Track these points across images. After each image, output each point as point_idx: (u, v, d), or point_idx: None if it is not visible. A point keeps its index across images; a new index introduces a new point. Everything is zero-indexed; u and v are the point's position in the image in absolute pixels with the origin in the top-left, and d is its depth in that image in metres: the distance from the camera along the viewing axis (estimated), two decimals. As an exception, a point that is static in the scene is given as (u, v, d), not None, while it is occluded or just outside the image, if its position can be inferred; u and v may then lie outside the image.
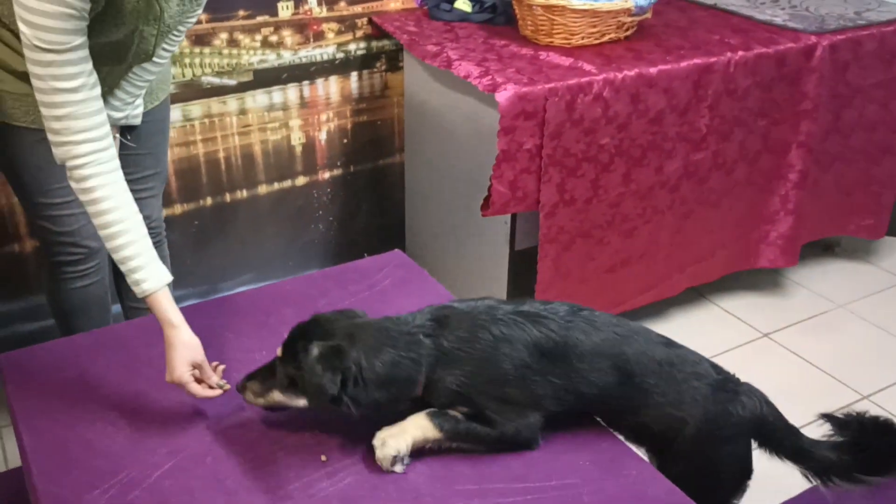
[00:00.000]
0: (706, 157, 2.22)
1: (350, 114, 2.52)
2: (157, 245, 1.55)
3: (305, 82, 2.40)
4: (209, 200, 2.39)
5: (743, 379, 1.44)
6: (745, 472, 1.45)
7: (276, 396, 1.32)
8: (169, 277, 1.43)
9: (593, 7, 2.08)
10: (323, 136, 2.50)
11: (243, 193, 2.43)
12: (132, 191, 1.44)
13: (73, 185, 1.36)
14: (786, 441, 1.43)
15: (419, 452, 1.31)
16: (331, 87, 2.45)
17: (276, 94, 2.37)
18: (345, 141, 2.54)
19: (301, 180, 2.52)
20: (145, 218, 1.50)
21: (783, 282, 2.72)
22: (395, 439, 1.29)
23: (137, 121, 1.71)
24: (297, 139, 2.46)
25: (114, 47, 1.50)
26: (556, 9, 2.08)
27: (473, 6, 2.40)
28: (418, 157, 2.46)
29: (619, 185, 2.10)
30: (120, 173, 1.39)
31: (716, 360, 1.45)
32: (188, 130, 2.28)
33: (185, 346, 1.39)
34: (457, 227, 2.31)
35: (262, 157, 2.42)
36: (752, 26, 2.37)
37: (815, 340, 2.44)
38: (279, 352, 1.32)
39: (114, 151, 1.38)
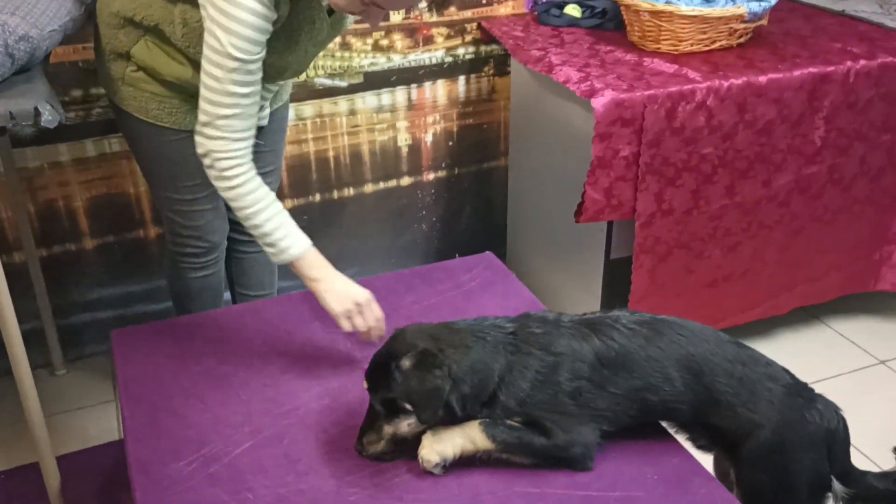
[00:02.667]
0: (821, 171, 2.11)
1: (456, 117, 2.56)
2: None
3: (414, 85, 2.47)
4: (318, 197, 2.49)
5: (855, 407, 1.40)
6: (824, 484, 1.39)
7: (389, 430, 1.30)
8: (309, 241, 1.55)
9: (703, 13, 2.03)
10: (429, 137, 2.56)
11: (350, 191, 2.52)
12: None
13: (215, 174, 1.48)
14: (840, 458, 1.38)
15: (470, 460, 1.31)
16: (438, 91, 2.50)
17: (385, 97, 2.45)
18: (450, 143, 2.59)
19: (406, 180, 2.58)
20: None
21: (907, 308, 2.55)
22: (443, 444, 1.29)
23: (265, 122, 1.81)
24: (403, 140, 2.53)
25: (278, 68, 1.60)
26: (663, 14, 2.04)
27: (583, 11, 2.38)
28: (522, 161, 2.48)
29: (723, 196, 2.03)
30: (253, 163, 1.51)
31: (823, 385, 1.40)
32: (300, 129, 2.39)
33: (334, 293, 1.52)
34: (555, 233, 2.31)
35: (369, 157, 2.50)
36: (881, 34, 2.24)
37: (937, 372, 2.27)
38: (366, 385, 1.31)
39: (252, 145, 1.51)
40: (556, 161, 2.23)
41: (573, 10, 2.39)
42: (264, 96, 1.77)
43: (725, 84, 1.92)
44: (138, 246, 2.32)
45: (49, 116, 1.26)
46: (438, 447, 1.29)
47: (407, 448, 1.31)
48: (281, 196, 2.43)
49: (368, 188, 2.54)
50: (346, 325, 1.53)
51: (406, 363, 1.26)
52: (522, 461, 1.32)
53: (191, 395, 1.50)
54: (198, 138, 1.47)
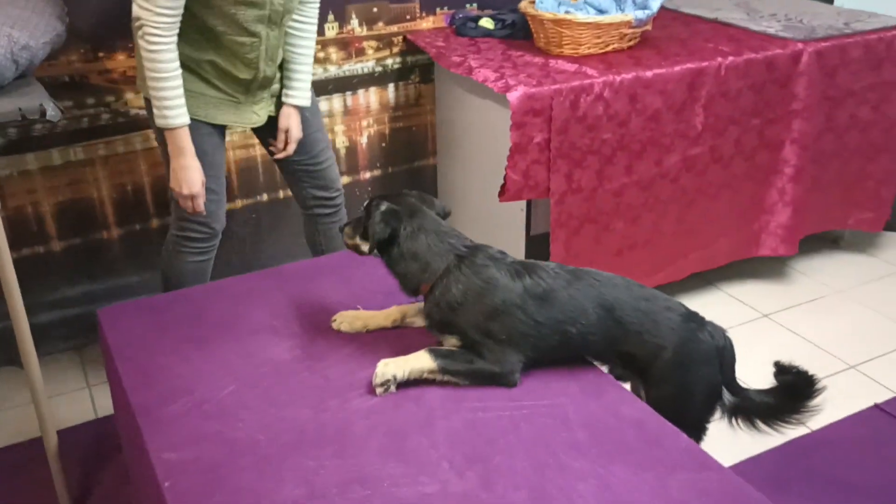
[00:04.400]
0: (703, 152, 2.47)
1: (388, 120, 2.84)
2: (337, 211, 2.22)
3: (348, 93, 2.74)
4: (265, 196, 2.73)
5: (742, 352, 1.67)
6: (715, 392, 1.65)
7: (354, 240, 1.68)
8: (189, 120, 1.87)
9: (596, 20, 2.38)
10: (364, 140, 2.83)
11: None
12: (319, 162, 2.14)
13: (141, 36, 1.75)
14: (728, 373, 1.66)
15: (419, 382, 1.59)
16: (371, 97, 2.79)
17: (323, 104, 2.71)
18: (383, 145, 2.87)
19: (345, 179, 2.84)
20: (331, 182, 2.22)
21: (787, 270, 2.95)
22: (394, 366, 1.57)
23: (309, 102, 2.11)
24: (341, 143, 2.80)
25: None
26: (564, 22, 2.38)
27: (496, 24, 2.71)
28: (449, 158, 2.77)
29: (622, 175, 2.37)
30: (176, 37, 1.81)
31: None
32: (247, 134, 2.63)
33: (187, 171, 1.89)
34: (482, 217, 2.61)
35: (311, 159, 2.76)
36: (746, 36, 2.64)
37: (811, 320, 2.66)
38: (363, 207, 1.67)
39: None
40: (479, 153, 2.53)
41: (487, 23, 2.71)
42: (301, 70, 2.08)
43: (618, 78, 2.26)
44: (102, 247, 2.52)
45: (52, 112, 1.49)
46: (390, 368, 1.57)
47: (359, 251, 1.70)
48: (231, 197, 2.66)
49: (311, 187, 2.79)
50: (182, 201, 1.93)
51: (381, 206, 1.60)
52: (462, 381, 1.59)
53: (174, 354, 1.72)
54: (134, 7, 1.74)
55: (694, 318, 1.64)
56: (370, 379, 1.63)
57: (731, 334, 1.65)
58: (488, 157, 2.45)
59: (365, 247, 1.66)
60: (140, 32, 1.77)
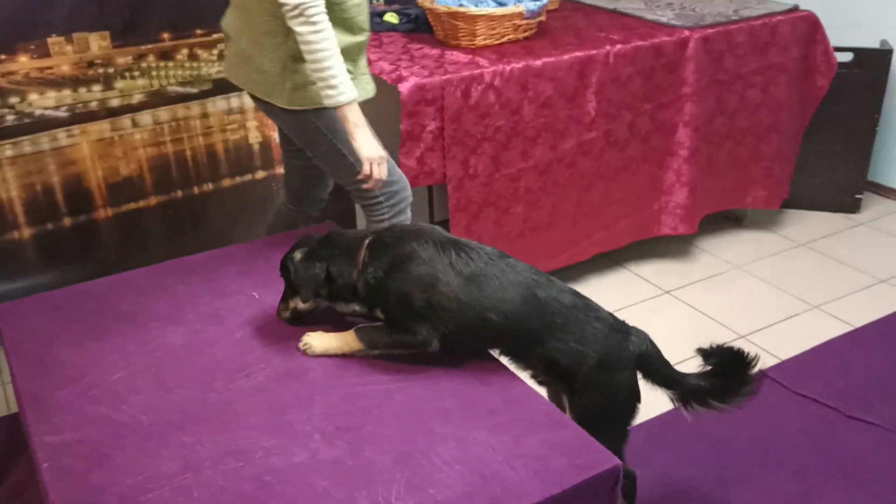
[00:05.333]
0: (598, 136, 2.58)
1: (300, 115, 2.91)
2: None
3: (259, 89, 2.80)
4: (180, 193, 2.78)
5: (643, 327, 1.69)
6: (635, 395, 1.68)
7: (292, 304, 1.76)
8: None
9: (489, 12, 2.47)
10: (276, 134, 2.89)
11: (209, 186, 2.83)
12: None
13: (302, 21, 1.78)
14: (661, 371, 1.67)
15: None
16: (282, 93, 2.85)
17: (234, 100, 2.77)
18: (297, 139, 2.93)
19: (260, 174, 2.91)
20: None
21: (691, 249, 3.08)
22: (325, 341, 1.68)
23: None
24: (254, 138, 2.86)
25: None
26: (458, 15, 2.47)
27: (400, 18, 2.79)
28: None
29: (519, 161, 2.46)
30: None
31: (621, 313, 1.68)
32: (158, 132, 2.68)
33: (369, 140, 1.92)
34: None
35: (224, 154, 2.82)
36: (639, 25, 2.75)
37: (709, 295, 2.78)
38: (280, 272, 1.75)
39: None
40: (385, 144, 2.61)
41: (391, 18, 2.79)
42: (363, 64, 2.05)
43: (508, 68, 2.36)
44: (13, 247, 2.55)
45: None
46: (322, 342, 1.68)
47: (306, 317, 1.78)
48: (145, 194, 2.71)
49: (226, 182, 2.85)
50: (366, 168, 1.93)
51: (297, 256, 1.70)
52: (387, 352, 1.67)
53: (70, 346, 1.78)
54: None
55: (620, 328, 1.66)
56: (257, 360, 1.71)
57: (633, 310, 1.69)
58: (390, 146, 2.53)
59: (301, 304, 1.75)
60: (302, 18, 1.78)
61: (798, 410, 2.26)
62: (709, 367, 1.69)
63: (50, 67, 2.43)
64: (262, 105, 2.07)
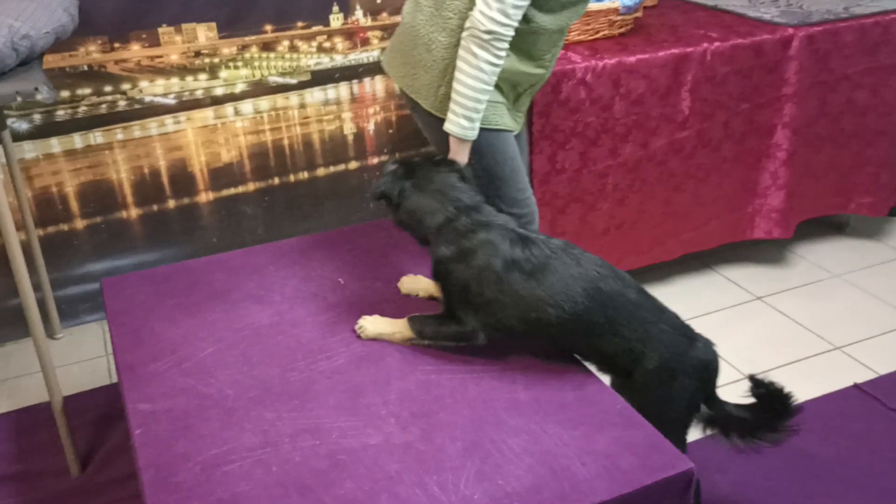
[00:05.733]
0: (690, 135, 2.53)
1: (394, 108, 2.96)
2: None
3: (355, 81, 2.87)
4: (277, 180, 2.88)
5: (732, 333, 1.65)
6: (694, 405, 1.65)
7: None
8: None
9: (584, 8, 2.45)
10: (371, 127, 2.96)
11: (305, 175, 2.92)
12: None
13: (487, 50, 1.74)
14: (711, 388, 1.66)
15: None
16: (377, 85, 2.91)
17: (331, 91, 2.85)
18: (390, 131, 2.99)
19: (353, 165, 2.98)
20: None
21: (787, 255, 2.97)
22: (378, 325, 1.74)
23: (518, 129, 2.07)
24: (349, 129, 2.93)
25: None
26: (552, 10, 2.46)
27: (495, 13, 2.80)
28: (451, 143, 2.88)
29: (607, 157, 2.44)
30: None
31: (709, 317, 1.65)
32: (258, 121, 2.78)
33: None
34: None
35: (319, 145, 2.90)
36: (740, 22, 2.67)
37: (804, 303, 2.68)
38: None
39: None
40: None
41: (487, 12, 2.80)
42: (524, 101, 1.99)
43: (601, 64, 2.33)
44: (122, 226, 2.70)
45: (46, 94, 1.65)
46: (375, 326, 1.74)
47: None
48: (244, 180, 2.82)
49: (321, 172, 2.94)
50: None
51: (390, 166, 1.77)
52: (436, 343, 1.71)
53: (165, 320, 1.88)
54: (481, 19, 1.71)
55: (686, 332, 1.63)
56: (338, 343, 1.76)
57: (721, 315, 1.63)
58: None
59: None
60: (483, 44, 1.73)
61: (891, 428, 2.15)
62: (753, 399, 1.63)
63: (160, 56, 2.56)
64: (408, 101, 2.04)
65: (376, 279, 2.01)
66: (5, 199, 1.80)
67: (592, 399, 1.57)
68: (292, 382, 1.65)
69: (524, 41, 1.84)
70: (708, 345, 1.64)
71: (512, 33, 1.74)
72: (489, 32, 1.72)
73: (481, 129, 1.86)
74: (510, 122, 1.97)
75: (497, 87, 1.89)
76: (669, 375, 1.60)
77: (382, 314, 1.80)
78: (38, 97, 1.61)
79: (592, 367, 1.70)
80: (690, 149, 2.55)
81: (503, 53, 1.76)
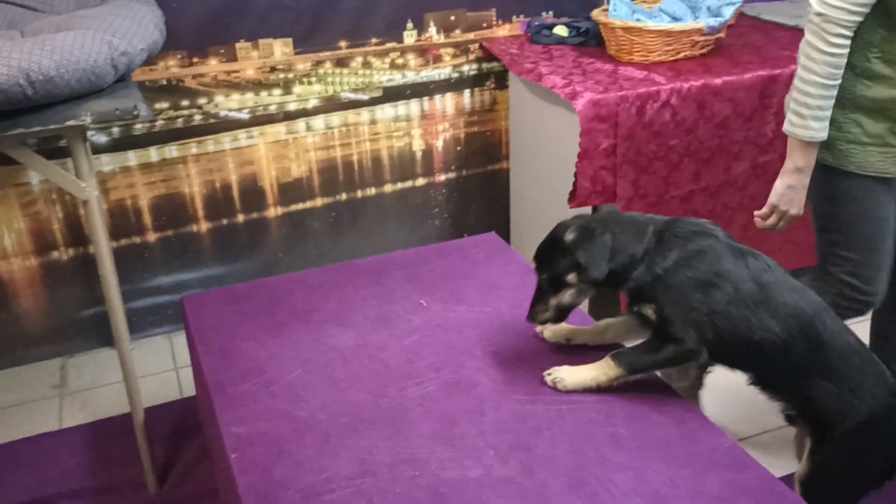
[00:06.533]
0: (773, 159, 2.46)
1: (463, 125, 2.94)
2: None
3: (425, 98, 2.85)
4: (344, 196, 2.87)
5: None
6: (890, 468, 1.55)
7: (553, 302, 1.58)
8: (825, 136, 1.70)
9: (667, 28, 2.41)
10: (440, 143, 2.93)
11: (372, 191, 2.90)
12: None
13: (822, 37, 1.60)
14: None
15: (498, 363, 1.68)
16: (447, 102, 2.89)
17: (401, 108, 2.83)
18: (458, 148, 2.96)
19: (420, 181, 2.96)
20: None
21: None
22: (581, 375, 1.58)
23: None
24: (417, 146, 2.91)
25: None
26: (634, 30, 2.42)
27: (570, 31, 2.77)
28: (521, 163, 2.85)
29: (690, 182, 2.39)
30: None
31: None
32: (328, 136, 2.77)
33: (793, 191, 1.75)
34: (551, 220, 2.64)
35: (388, 161, 2.88)
36: (825, 44, 2.60)
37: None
38: (534, 265, 1.59)
39: None
40: (549, 158, 2.59)
41: (561, 31, 2.77)
42: None
43: (686, 86, 2.29)
44: (192, 239, 2.71)
45: (145, 113, 1.64)
46: (575, 376, 1.58)
47: (566, 312, 1.63)
48: (312, 195, 2.81)
49: (388, 188, 2.92)
50: (764, 211, 1.79)
51: (569, 236, 1.52)
52: (652, 370, 1.56)
53: (250, 339, 1.86)
54: (814, 2, 1.58)
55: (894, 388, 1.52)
56: (426, 369, 1.73)
57: None
58: (558, 162, 2.51)
59: (567, 295, 1.57)
60: (818, 30, 1.60)
61: None
62: None
63: (236, 71, 2.57)
64: None
65: (458, 301, 1.98)
66: (98, 211, 1.80)
67: (697, 436, 1.52)
68: (384, 409, 1.62)
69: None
70: None
71: (850, 19, 1.57)
72: (819, 14, 1.60)
73: (835, 172, 1.71)
74: (884, 165, 1.72)
75: (865, 117, 1.70)
76: (874, 433, 1.49)
77: (467, 338, 1.77)
78: (138, 115, 1.60)
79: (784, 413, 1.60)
80: (773, 173, 2.46)
81: (838, 42, 1.59)
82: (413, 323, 1.90)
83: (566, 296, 1.59)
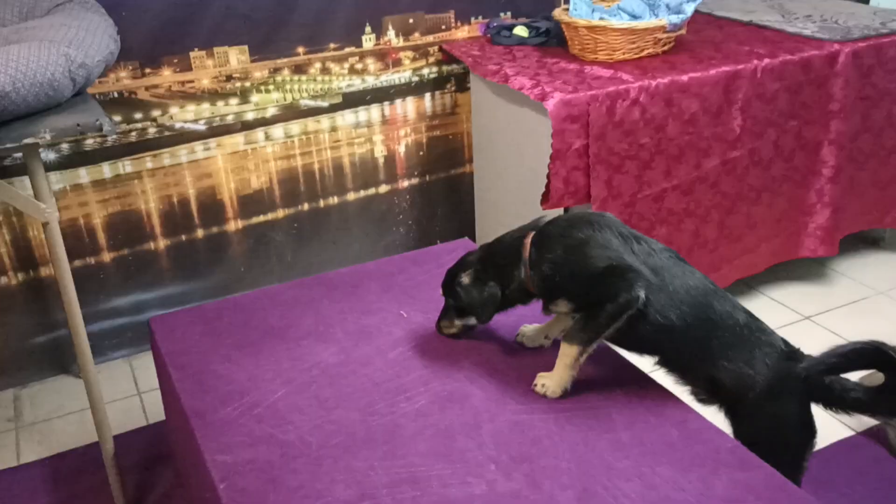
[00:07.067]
0: (742, 154, 2.48)
1: (425, 129, 2.89)
2: None
3: (386, 103, 2.79)
4: (306, 206, 2.79)
5: None
6: (809, 429, 1.56)
7: (459, 323, 1.73)
8: None
9: (631, 26, 2.40)
10: (402, 149, 2.88)
11: (335, 199, 2.83)
12: None
13: None
14: (846, 396, 1.53)
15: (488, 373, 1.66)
16: (408, 107, 2.83)
17: (362, 114, 2.77)
18: (421, 153, 2.91)
19: (384, 188, 2.89)
20: None
21: (828, 272, 2.93)
22: (558, 378, 1.57)
23: None
24: (379, 152, 2.85)
25: None
26: (598, 29, 2.40)
27: (530, 32, 2.74)
28: (485, 165, 2.81)
29: (662, 180, 2.38)
30: None
31: None
32: (289, 145, 2.69)
33: None
34: (519, 222, 2.61)
35: (350, 168, 2.81)
36: (781, 38, 2.64)
37: (852, 321, 2.64)
38: (441, 293, 1.72)
39: None
40: (516, 161, 2.56)
41: (521, 31, 2.74)
42: None
43: (654, 83, 2.28)
44: (150, 257, 2.59)
45: (108, 127, 1.55)
46: (556, 381, 1.57)
47: (470, 331, 1.77)
48: (273, 206, 2.72)
49: (351, 196, 2.85)
50: None
51: (465, 279, 1.65)
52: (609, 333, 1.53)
53: (226, 360, 1.77)
54: None
55: (791, 354, 1.57)
56: (414, 382, 1.67)
57: None
58: (524, 164, 2.48)
59: (471, 321, 1.72)
60: None
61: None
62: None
63: (191, 81, 2.47)
64: None
65: (438, 310, 1.92)
66: (59, 233, 1.69)
67: (699, 437, 1.49)
68: (376, 427, 1.55)
69: None
70: (815, 361, 1.55)
71: None
72: None
73: None
74: None
75: None
76: (778, 399, 1.53)
77: (454, 349, 1.72)
78: (102, 130, 1.50)
79: (686, 396, 1.62)
80: (742, 168, 2.50)
81: None
82: (395, 335, 1.84)
83: (470, 320, 1.72)
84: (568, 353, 1.57)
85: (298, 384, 1.69)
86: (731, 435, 1.57)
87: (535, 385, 1.61)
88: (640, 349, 1.61)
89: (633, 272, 1.48)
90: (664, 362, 1.61)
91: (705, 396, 1.63)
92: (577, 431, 1.52)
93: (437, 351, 1.75)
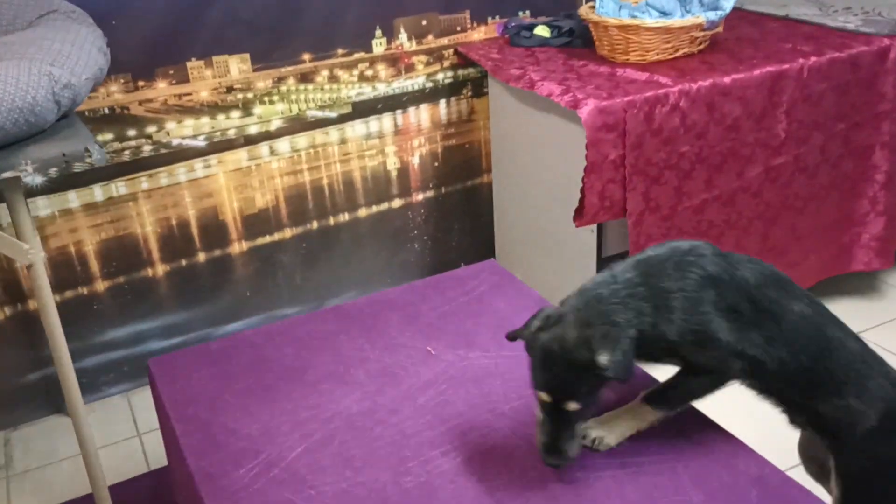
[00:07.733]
0: (787, 161, 2.29)
1: (440, 138, 2.70)
2: None
3: (399, 111, 2.60)
4: (315, 224, 2.60)
5: None
6: None
7: (581, 427, 1.34)
8: None
9: (666, 24, 2.21)
10: (416, 160, 2.69)
11: (345, 216, 2.64)
12: None
13: None
14: None
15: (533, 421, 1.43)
16: (422, 115, 2.64)
17: (373, 124, 2.58)
18: (436, 164, 2.72)
19: (397, 203, 2.70)
20: None
21: (880, 285, 2.74)
22: (618, 428, 1.39)
23: None
24: (392, 164, 2.66)
25: None
26: (630, 28, 2.21)
27: (552, 32, 2.55)
28: (505, 176, 2.62)
29: (703, 191, 2.19)
30: None
31: None
32: (295, 160, 2.50)
33: None
34: (544, 239, 2.44)
35: (361, 183, 2.62)
36: (824, 33, 2.45)
37: (907, 338, 2.46)
38: (545, 397, 1.30)
39: None
40: (540, 171, 2.37)
41: (543, 31, 2.55)
42: None
43: (694, 86, 2.09)
44: (148, 285, 2.40)
45: (98, 155, 1.36)
46: (614, 432, 1.39)
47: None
48: (280, 225, 2.53)
49: (362, 212, 2.66)
50: None
51: (603, 358, 1.23)
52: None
53: (238, 410, 1.59)
54: None
55: None
56: (449, 433, 1.48)
57: None
58: (550, 175, 2.29)
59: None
60: None
61: None
62: None
63: (188, 94, 2.27)
64: None
65: (470, 346, 1.74)
66: (44, 274, 1.50)
67: (780, 494, 1.31)
68: (410, 490, 1.36)
69: None
70: None
71: None
72: None
73: None
74: None
75: None
76: (889, 438, 1.38)
77: (490, 391, 1.53)
78: (90, 160, 1.31)
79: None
80: (787, 176, 2.31)
81: None
82: (424, 377, 1.65)
83: (589, 413, 1.34)
84: (646, 416, 1.40)
85: (319, 438, 1.50)
86: (834, 481, 1.41)
87: (585, 438, 1.39)
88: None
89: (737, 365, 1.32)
90: (755, 386, 1.43)
91: (802, 424, 1.48)
92: (640, 493, 1.33)
93: (472, 395, 1.56)
